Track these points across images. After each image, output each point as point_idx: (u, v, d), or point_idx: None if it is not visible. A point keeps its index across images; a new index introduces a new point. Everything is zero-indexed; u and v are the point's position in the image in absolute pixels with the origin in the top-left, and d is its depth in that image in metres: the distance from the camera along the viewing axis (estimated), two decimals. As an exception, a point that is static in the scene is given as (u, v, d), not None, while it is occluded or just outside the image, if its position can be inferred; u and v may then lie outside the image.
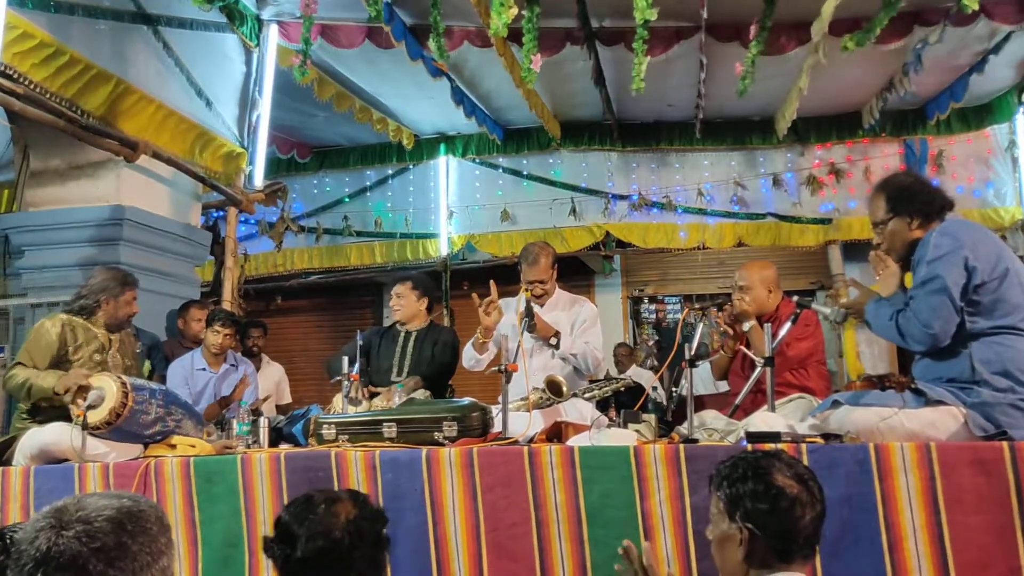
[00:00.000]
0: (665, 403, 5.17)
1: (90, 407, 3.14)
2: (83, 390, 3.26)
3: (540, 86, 7.03)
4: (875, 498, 2.45)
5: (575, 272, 8.90)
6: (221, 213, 6.57)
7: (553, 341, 4.00)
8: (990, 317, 2.63)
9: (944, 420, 2.60)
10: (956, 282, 2.61)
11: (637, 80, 5.30)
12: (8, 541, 1.45)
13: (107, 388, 3.20)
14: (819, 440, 2.69)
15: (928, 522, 2.40)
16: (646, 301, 9.63)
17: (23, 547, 1.17)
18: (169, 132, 5.31)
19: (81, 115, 4.56)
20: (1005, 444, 2.43)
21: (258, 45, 5.92)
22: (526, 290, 3.96)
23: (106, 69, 4.71)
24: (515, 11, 4.77)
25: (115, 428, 3.20)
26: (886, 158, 7.84)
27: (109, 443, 3.24)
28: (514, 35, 5.25)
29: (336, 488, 2.88)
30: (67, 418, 3.31)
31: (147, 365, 4.98)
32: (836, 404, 2.79)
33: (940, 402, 2.62)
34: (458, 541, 2.75)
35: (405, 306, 4.39)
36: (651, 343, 9.27)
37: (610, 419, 3.36)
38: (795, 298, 3.48)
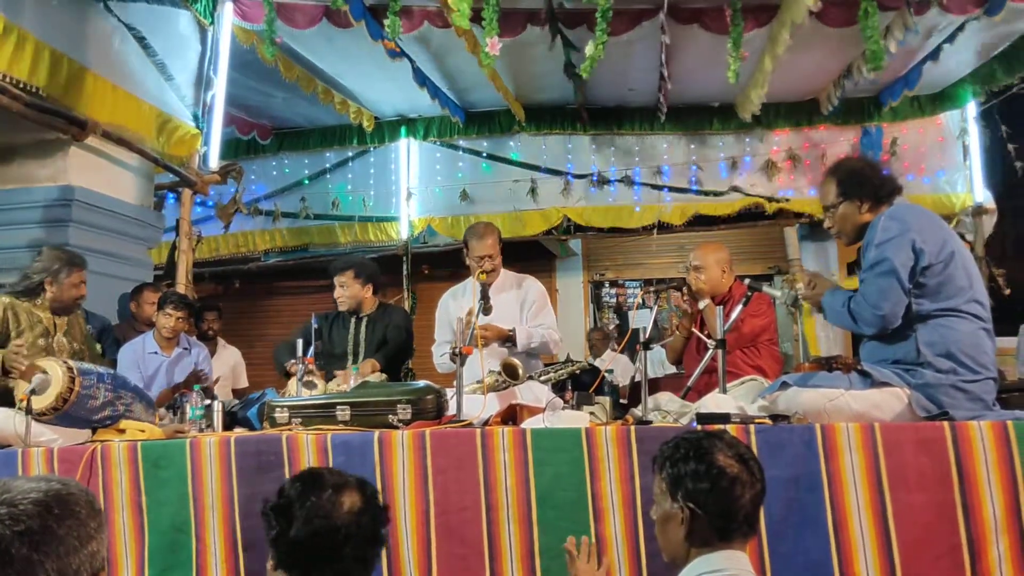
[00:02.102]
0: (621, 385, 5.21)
1: (34, 392, 3.07)
2: (28, 372, 3.19)
3: (503, 68, 6.99)
4: (821, 478, 2.50)
5: (535, 256, 8.91)
6: (175, 195, 6.45)
7: (511, 335, 3.99)
8: (935, 299, 2.69)
9: (889, 401, 2.66)
10: (904, 264, 2.67)
11: (586, 66, 5.29)
12: None
13: (53, 373, 3.13)
14: (767, 421, 2.73)
15: (872, 500, 2.46)
16: (607, 285, 9.68)
17: None
18: (121, 111, 5.18)
19: (28, 92, 4.43)
20: (946, 424, 2.49)
21: (213, 23, 5.79)
22: (481, 272, 3.96)
23: (55, 45, 4.57)
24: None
25: (62, 413, 3.14)
26: (843, 144, 7.93)
27: (56, 428, 3.17)
28: (475, 16, 5.20)
29: (288, 472, 2.87)
30: (11, 403, 3.23)
31: (97, 348, 4.89)
32: (785, 385, 2.84)
33: (885, 383, 2.67)
34: (407, 524, 2.74)
35: (350, 295, 4.37)
36: (611, 327, 9.33)
37: (565, 401, 3.38)
38: (747, 280, 3.52)
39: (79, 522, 1.19)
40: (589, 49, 5.29)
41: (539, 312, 4.11)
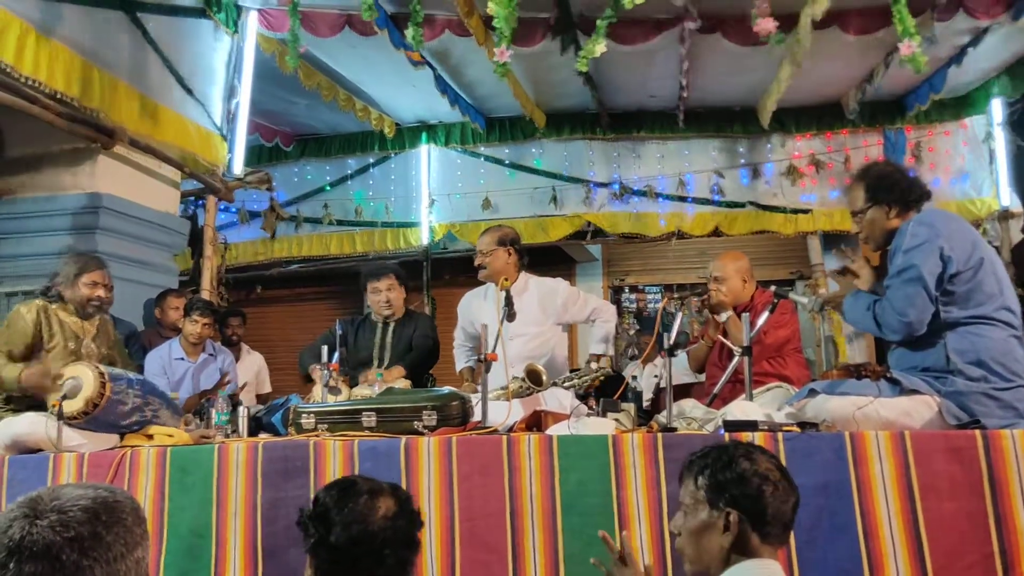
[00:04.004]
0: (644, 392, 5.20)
1: (66, 397, 3.10)
2: (58, 378, 3.23)
3: (523, 75, 7.02)
4: (851, 486, 2.48)
5: (556, 261, 8.92)
6: (200, 202, 6.52)
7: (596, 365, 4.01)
8: (965, 307, 2.67)
9: (919, 409, 2.63)
10: (932, 271, 2.65)
11: (583, 62, 5.26)
12: None
13: (84, 378, 3.17)
14: (796, 429, 2.71)
15: (903, 509, 2.44)
16: (627, 290, 9.66)
17: None
18: (148, 119, 5.24)
19: (57, 102, 4.50)
20: (978, 432, 2.47)
21: (237, 32, 5.85)
22: (504, 280, 3.98)
23: (85, 56, 4.64)
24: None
25: (92, 418, 3.17)
26: (866, 149, 7.88)
27: (85, 433, 3.21)
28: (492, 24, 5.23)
29: (313, 478, 2.89)
30: (43, 407, 3.27)
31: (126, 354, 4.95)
32: (813, 393, 2.82)
33: (915, 391, 2.65)
34: (432, 530, 2.74)
35: (397, 298, 4.43)
36: (632, 332, 9.31)
37: (589, 408, 3.38)
38: (772, 287, 3.51)
39: (126, 529, 1.21)
40: (590, 47, 5.25)
41: (584, 306, 4.18)
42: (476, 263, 4.17)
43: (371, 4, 5.06)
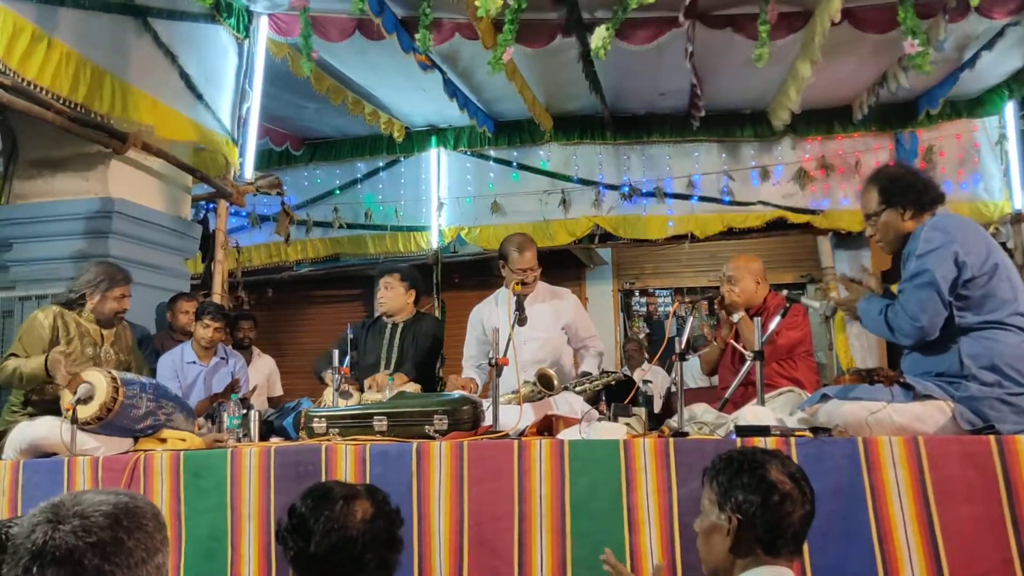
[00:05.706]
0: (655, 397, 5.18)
1: (80, 402, 3.13)
2: (74, 382, 3.25)
3: (532, 79, 7.03)
4: (864, 491, 2.47)
5: (565, 265, 8.91)
6: (211, 206, 6.54)
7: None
8: (979, 312, 2.66)
9: (932, 414, 2.62)
10: (945, 276, 2.64)
11: (601, 48, 5.19)
12: (4, 537, 1.45)
13: (97, 383, 3.19)
14: (808, 434, 2.71)
15: (918, 515, 2.43)
16: (637, 294, 9.66)
17: (19, 541, 1.18)
18: (160, 124, 5.27)
19: (70, 107, 4.53)
20: (992, 438, 2.45)
21: (248, 37, 5.88)
22: (517, 283, 3.96)
23: (97, 61, 4.67)
24: (501, 2, 4.76)
25: (106, 423, 3.19)
26: (877, 152, 7.85)
27: (99, 437, 3.24)
28: (500, 26, 5.23)
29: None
30: (58, 412, 3.30)
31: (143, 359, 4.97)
32: (825, 398, 2.82)
33: (928, 396, 2.64)
34: (441, 535, 2.74)
35: (393, 297, 4.40)
36: (642, 336, 9.30)
37: (600, 413, 3.37)
38: (785, 292, 3.50)
39: (147, 534, 1.22)
40: (597, 39, 5.18)
41: (584, 329, 4.20)
42: (530, 280, 4.06)
43: (363, 8, 5.07)
